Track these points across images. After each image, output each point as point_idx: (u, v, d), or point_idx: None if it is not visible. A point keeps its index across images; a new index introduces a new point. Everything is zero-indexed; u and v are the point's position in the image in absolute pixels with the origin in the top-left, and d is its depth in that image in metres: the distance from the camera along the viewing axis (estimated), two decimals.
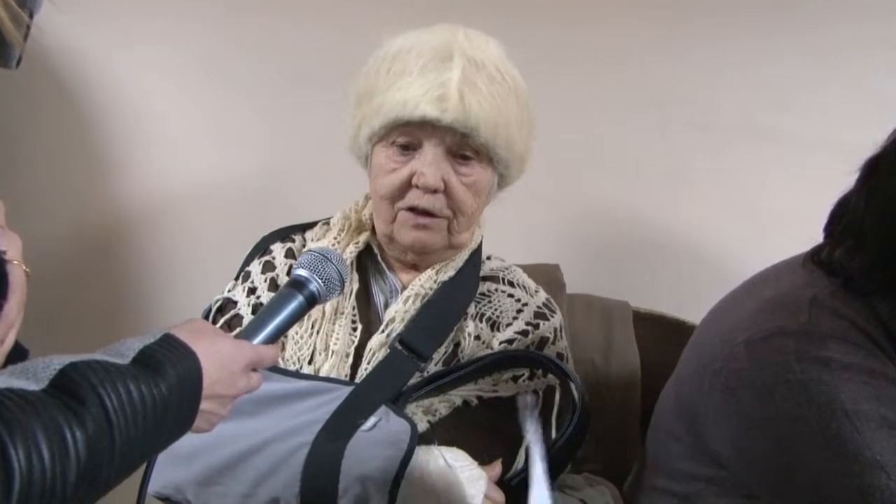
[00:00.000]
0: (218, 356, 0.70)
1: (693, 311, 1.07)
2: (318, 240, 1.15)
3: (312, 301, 0.87)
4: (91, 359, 0.58)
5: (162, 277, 1.53)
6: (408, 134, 1.03)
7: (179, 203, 1.53)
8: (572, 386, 1.05)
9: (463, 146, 1.03)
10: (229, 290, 1.12)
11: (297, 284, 0.87)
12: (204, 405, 0.68)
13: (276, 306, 0.85)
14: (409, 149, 1.04)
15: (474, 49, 1.03)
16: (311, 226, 1.20)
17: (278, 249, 1.15)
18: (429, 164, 1.02)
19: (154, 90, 1.50)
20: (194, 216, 1.53)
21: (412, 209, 1.05)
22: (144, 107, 1.50)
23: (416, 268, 1.13)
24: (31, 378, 0.55)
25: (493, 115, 1.01)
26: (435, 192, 1.03)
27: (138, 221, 1.52)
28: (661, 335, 1.34)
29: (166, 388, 0.61)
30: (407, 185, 1.04)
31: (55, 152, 1.49)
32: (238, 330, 0.83)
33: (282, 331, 0.84)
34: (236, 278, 1.14)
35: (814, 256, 0.93)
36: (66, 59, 1.45)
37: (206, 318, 1.12)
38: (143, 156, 1.51)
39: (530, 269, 1.25)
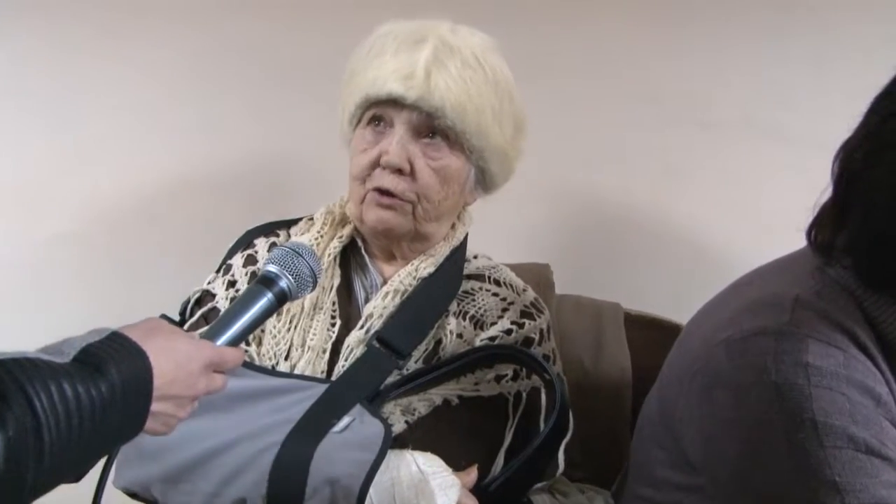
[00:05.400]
0: (173, 355, 0.68)
1: (688, 313, 1.04)
2: (303, 234, 1.13)
3: (283, 298, 0.84)
4: (23, 356, 0.56)
5: (150, 273, 1.52)
6: (380, 113, 1.05)
7: (167, 199, 1.53)
8: (554, 384, 1.02)
9: (430, 127, 1.04)
10: (209, 283, 1.11)
11: (267, 281, 0.84)
12: (157, 406, 0.66)
13: (243, 304, 0.82)
14: (381, 127, 1.05)
15: (454, 37, 1.04)
16: (296, 221, 1.19)
17: (262, 244, 1.13)
18: (395, 143, 1.02)
19: (144, 86, 1.50)
20: (183, 212, 1.53)
21: (377, 189, 1.05)
22: (134, 103, 1.50)
23: (397, 260, 1.11)
24: None
25: (462, 97, 1.01)
26: (400, 172, 1.03)
27: (127, 217, 1.51)
28: (655, 338, 1.29)
29: (107, 388, 0.59)
30: (375, 165, 1.05)
31: (45, 147, 1.49)
32: (202, 329, 0.81)
33: (249, 330, 0.82)
34: (217, 271, 1.12)
35: (818, 248, 0.87)
36: (55, 53, 1.47)
37: (185, 310, 1.10)
38: (131, 151, 1.51)
39: (519, 269, 1.22)
